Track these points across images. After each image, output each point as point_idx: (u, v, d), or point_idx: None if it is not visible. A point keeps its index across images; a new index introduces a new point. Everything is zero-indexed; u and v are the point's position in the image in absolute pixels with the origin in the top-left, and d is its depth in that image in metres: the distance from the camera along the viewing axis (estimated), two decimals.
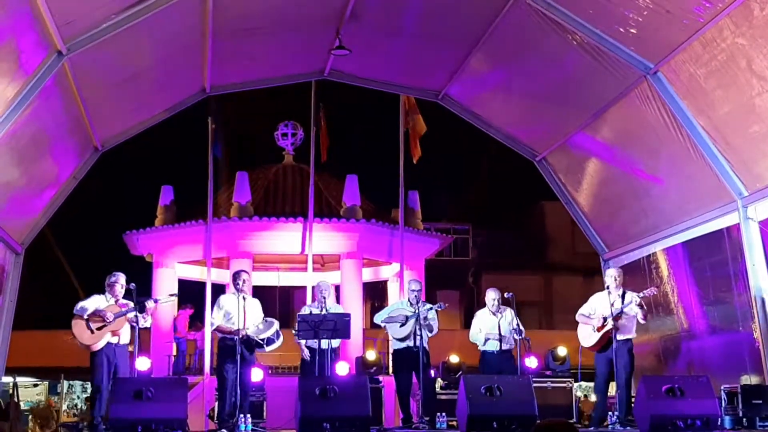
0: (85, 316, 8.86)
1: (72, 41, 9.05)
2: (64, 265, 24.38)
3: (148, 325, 9.22)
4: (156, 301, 9.16)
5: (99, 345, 8.87)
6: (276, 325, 9.41)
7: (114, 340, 8.97)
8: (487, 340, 10.36)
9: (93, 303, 8.99)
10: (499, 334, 10.21)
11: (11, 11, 7.94)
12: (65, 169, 11.61)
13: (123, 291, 9.12)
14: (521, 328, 10.26)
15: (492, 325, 10.36)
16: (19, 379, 22.49)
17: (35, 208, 11.46)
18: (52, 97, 9.64)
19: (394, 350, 10.32)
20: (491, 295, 10.53)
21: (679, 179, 10.94)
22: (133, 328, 9.08)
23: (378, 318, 10.46)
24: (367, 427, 8.46)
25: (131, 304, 9.05)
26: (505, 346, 10.25)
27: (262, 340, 9.27)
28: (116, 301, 9.07)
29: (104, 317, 8.86)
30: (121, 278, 9.14)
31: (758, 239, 9.93)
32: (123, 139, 12.50)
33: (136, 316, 8.99)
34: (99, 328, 8.86)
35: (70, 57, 9.18)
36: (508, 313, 10.32)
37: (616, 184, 12.36)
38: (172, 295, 9.60)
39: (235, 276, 9.51)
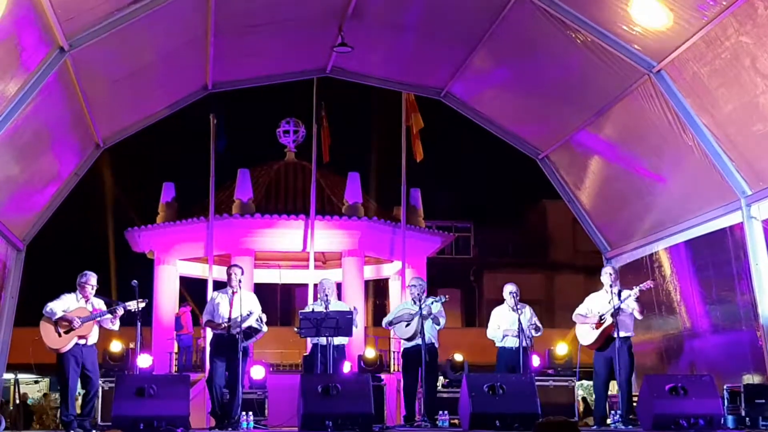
0: (54, 320, 8.82)
1: (74, 37, 9.03)
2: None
3: (116, 328, 9.17)
4: (125, 308, 9.08)
5: (66, 348, 8.83)
6: (255, 314, 9.33)
7: (82, 342, 8.92)
8: (505, 336, 10.25)
9: (63, 304, 8.92)
10: (520, 331, 9.95)
11: (13, 7, 7.92)
12: (67, 166, 11.59)
13: (93, 291, 9.07)
14: (539, 325, 10.18)
15: (512, 321, 10.09)
16: (21, 376, 22.55)
17: (37, 205, 11.45)
18: (54, 94, 9.62)
19: (403, 349, 10.30)
20: (509, 289, 10.25)
21: (682, 178, 10.91)
22: (135, 324, 9.10)
23: (385, 321, 10.40)
24: (369, 424, 8.46)
25: (104, 307, 9.03)
26: (523, 343, 10.04)
27: (238, 333, 9.23)
28: (86, 301, 9.03)
29: (72, 322, 8.81)
30: (91, 278, 9.08)
31: (761, 238, 9.89)
32: (125, 135, 12.48)
33: (120, 316, 8.97)
34: (66, 332, 8.82)
35: (72, 53, 9.16)
36: (527, 310, 10.18)
37: (619, 182, 12.34)
38: (141, 301, 9.49)
39: (227, 271, 9.61)
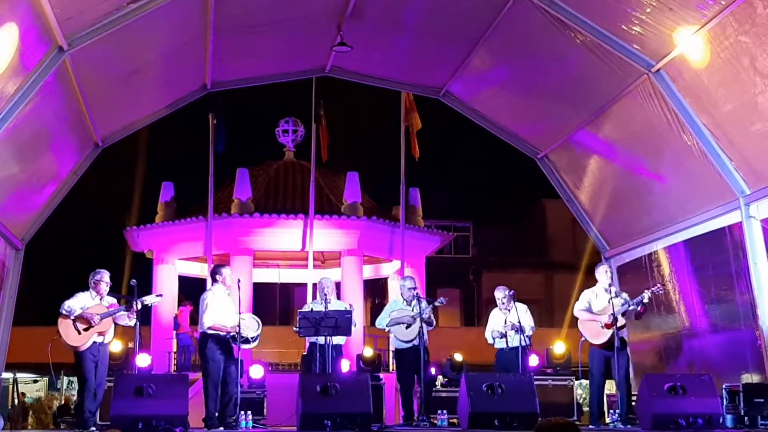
0: (72, 317, 8.85)
1: (73, 37, 9.02)
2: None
3: (132, 324, 9.17)
4: (142, 303, 9.09)
5: (86, 345, 8.87)
6: (261, 326, 9.40)
7: (99, 339, 8.98)
8: (494, 338, 10.38)
9: (79, 302, 8.96)
10: (505, 332, 10.23)
11: (12, 7, 7.91)
12: (66, 165, 11.59)
13: (108, 288, 9.11)
14: (524, 325, 10.18)
15: (500, 323, 10.37)
16: (19, 375, 22.54)
17: (36, 204, 11.44)
18: (53, 93, 9.61)
19: (397, 349, 10.26)
20: (496, 294, 10.59)
21: (681, 177, 10.91)
22: (134, 326, 9.11)
23: (381, 322, 10.31)
24: (368, 424, 8.45)
25: (119, 304, 9.04)
26: (511, 344, 10.20)
27: (253, 338, 9.24)
28: (101, 299, 9.05)
29: (91, 320, 8.84)
30: (105, 276, 9.13)
31: (760, 237, 9.89)
32: (124, 135, 12.47)
33: (137, 311, 8.97)
34: (86, 329, 8.85)
35: (71, 53, 9.15)
36: (515, 311, 10.22)
37: (618, 181, 12.33)
38: (158, 296, 9.52)
39: (221, 271, 9.44)
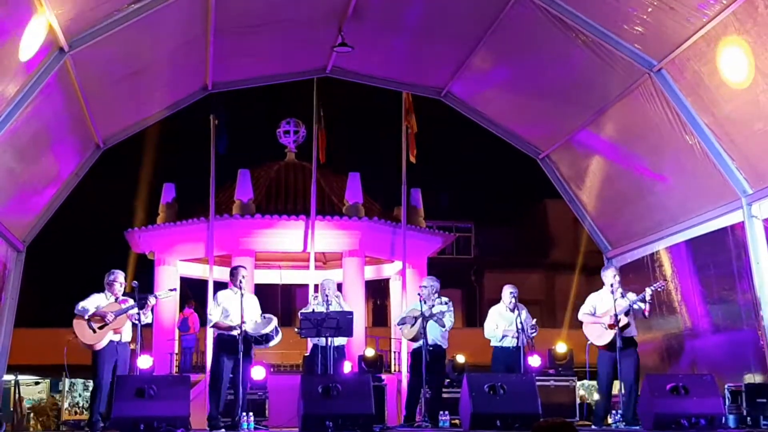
0: (86, 317, 8.89)
1: (74, 38, 9.03)
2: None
3: (150, 321, 9.25)
4: (156, 298, 9.16)
5: (102, 344, 8.92)
6: (275, 321, 9.39)
7: (116, 338, 9.03)
8: (504, 336, 10.31)
9: (93, 302, 9.02)
10: (518, 331, 10.08)
11: (13, 8, 7.91)
12: (67, 167, 11.59)
13: (122, 289, 9.17)
14: (536, 325, 10.23)
15: (510, 321, 10.25)
16: (21, 377, 22.58)
17: (37, 206, 11.44)
18: (53, 95, 9.61)
19: (412, 350, 10.37)
20: (509, 290, 10.37)
21: (683, 177, 10.89)
22: (135, 325, 9.13)
23: (396, 321, 10.60)
24: (370, 425, 8.45)
25: (131, 301, 9.08)
26: (520, 343, 10.19)
27: (261, 336, 9.23)
28: (116, 299, 9.09)
29: (104, 317, 8.88)
30: (119, 276, 9.17)
31: (762, 237, 9.88)
32: (125, 136, 12.47)
33: (138, 313, 9.01)
34: (100, 328, 8.89)
35: (72, 54, 9.16)
36: (525, 311, 10.25)
37: (620, 181, 12.32)
38: (171, 290, 9.59)
39: (234, 272, 9.47)
